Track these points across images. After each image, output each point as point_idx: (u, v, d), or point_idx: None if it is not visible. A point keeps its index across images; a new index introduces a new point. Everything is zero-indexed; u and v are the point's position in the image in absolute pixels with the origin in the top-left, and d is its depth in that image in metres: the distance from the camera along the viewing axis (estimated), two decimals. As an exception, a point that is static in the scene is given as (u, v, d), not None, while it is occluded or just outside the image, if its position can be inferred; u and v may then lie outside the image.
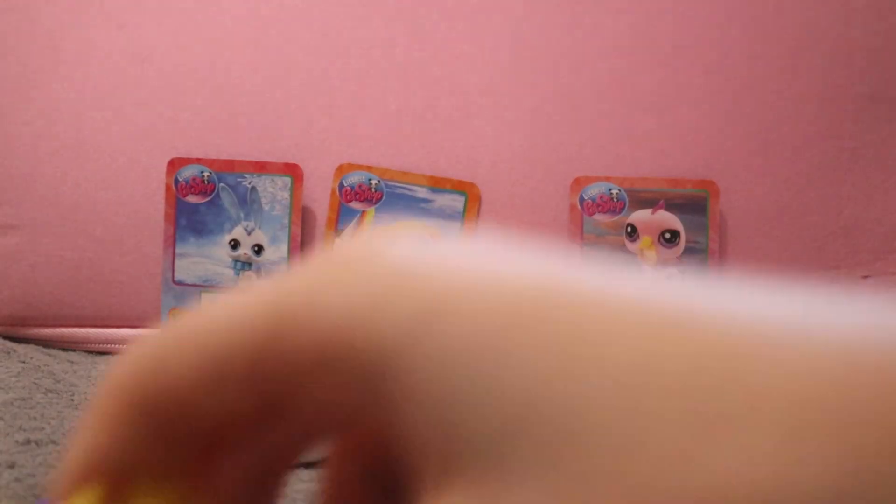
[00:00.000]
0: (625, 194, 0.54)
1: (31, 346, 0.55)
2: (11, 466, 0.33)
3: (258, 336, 0.13)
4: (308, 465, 0.36)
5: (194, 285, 0.55)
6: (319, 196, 0.56)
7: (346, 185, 0.55)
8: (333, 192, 0.55)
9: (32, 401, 0.41)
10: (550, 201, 0.55)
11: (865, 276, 0.55)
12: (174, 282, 0.56)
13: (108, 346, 0.57)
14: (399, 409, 0.14)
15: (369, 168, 0.55)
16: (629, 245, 0.54)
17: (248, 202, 0.56)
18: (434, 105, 0.57)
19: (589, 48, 0.56)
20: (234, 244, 0.55)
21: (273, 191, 0.55)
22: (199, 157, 0.56)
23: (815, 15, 0.56)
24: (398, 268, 0.13)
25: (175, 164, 0.56)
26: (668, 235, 0.54)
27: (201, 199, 0.56)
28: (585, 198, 0.54)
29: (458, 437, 0.13)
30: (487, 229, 0.56)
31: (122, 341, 0.57)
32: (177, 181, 0.55)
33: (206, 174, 0.55)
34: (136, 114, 0.57)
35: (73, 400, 0.43)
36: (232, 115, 0.57)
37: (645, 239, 0.54)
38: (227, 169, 0.55)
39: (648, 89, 0.56)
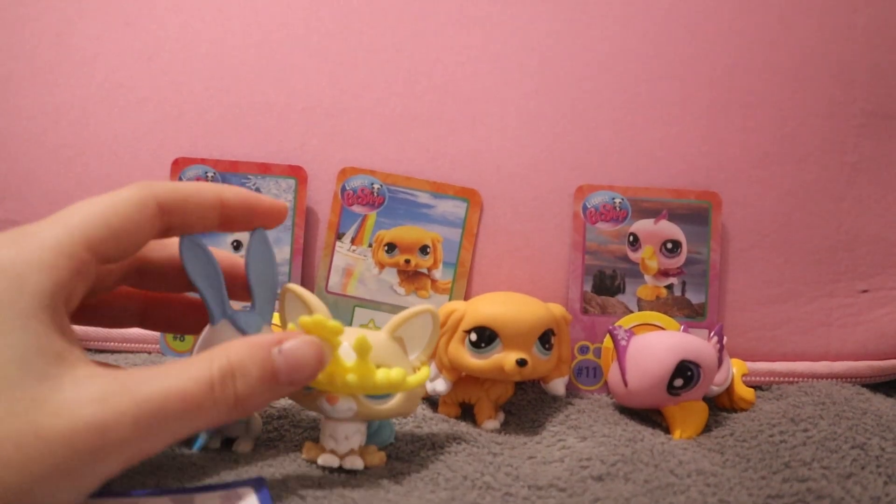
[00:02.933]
0: (628, 203, 0.55)
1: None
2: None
3: None
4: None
5: (195, 285, 0.55)
6: (323, 198, 0.56)
7: (348, 188, 0.55)
8: (335, 195, 0.55)
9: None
10: (553, 209, 0.55)
11: (864, 291, 0.56)
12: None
13: (108, 343, 0.57)
14: None
15: (372, 172, 0.55)
16: (631, 254, 0.54)
17: (251, 203, 0.56)
18: (439, 111, 0.57)
19: (594, 57, 0.57)
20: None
21: (277, 193, 0.55)
22: (204, 157, 0.56)
23: (819, 31, 0.56)
24: None
25: (179, 164, 0.56)
26: (669, 245, 0.54)
27: (205, 200, 0.56)
28: (588, 206, 0.55)
29: None
30: (488, 236, 0.56)
31: (121, 340, 0.57)
32: (180, 181, 0.55)
33: (210, 175, 0.55)
34: (140, 112, 0.57)
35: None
36: (237, 116, 0.57)
37: (647, 248, 0.54)
38: (232, 170, 0.56)
39: (653, 100, 0.56)
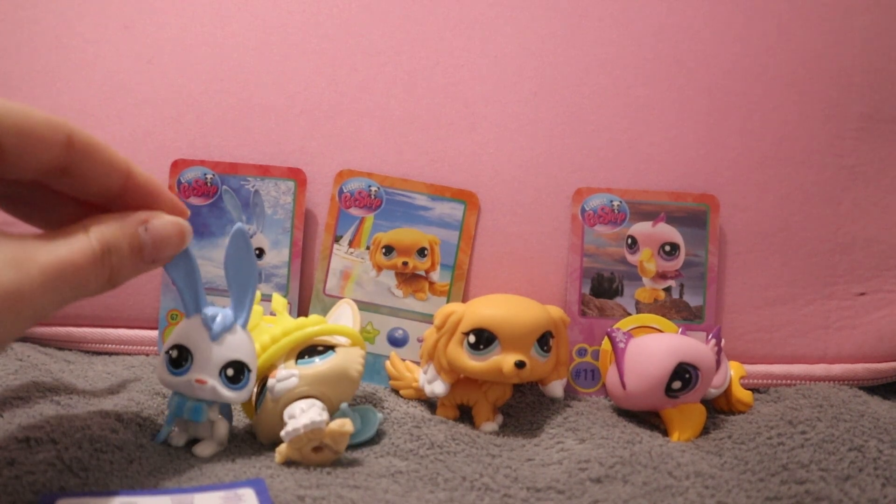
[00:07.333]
0: (626, 206, 0.55)
1: (28, 345, 0.55)
2: (11, 464, 0.33)
3: None
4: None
5: (194, 287, 0.55)
6: (322, 201, 0.56)
7: (345, 191, 0.55)
8: (333, 197, 0.55)
9: (31, 400, 0.41)
10: (551, 212, 0.56)
11: (861, 293, 0.56)
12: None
13: (105, 346, 0.57)
14: None
15: (370, 174, 0.55)
16: (629, 257, 0.55)
17: (250, 205, 0.56)
18: (437, 113, 0.57)
19: (593, 60, 0.57)
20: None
21: (276, 195, 0.56)
22: (203, 159, 0.56)
23: (817, 35, 0.57)
24: None
25: (178, 166, 0.56)
26: (668, 248, 0.54)
27: (204, 202, 0.56)
28: (587, 209, 0.55)
29: None
30: (486, 238, 0.56)
31: (118, 342, 0.56)
32: (179, 183, 0.55)
33: (209, 176, 0.56)
34: (139, 115, 0.57)
35: (70, 399, 0.42)
36: (236, 119, 0.57)
37: (645, 251, 0.55)
38: (231, 172, 0.56)
39: (651, 103, 0.56)
